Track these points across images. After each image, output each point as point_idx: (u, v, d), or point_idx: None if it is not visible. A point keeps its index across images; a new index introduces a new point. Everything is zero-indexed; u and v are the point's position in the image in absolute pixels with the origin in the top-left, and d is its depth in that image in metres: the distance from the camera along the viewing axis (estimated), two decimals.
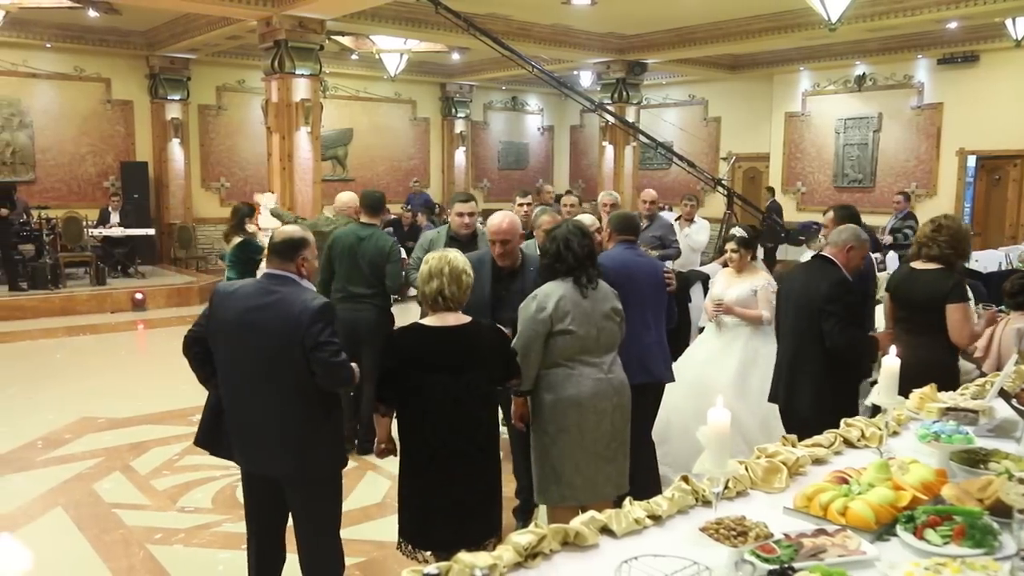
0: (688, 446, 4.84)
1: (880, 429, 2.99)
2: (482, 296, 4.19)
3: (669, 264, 5.85)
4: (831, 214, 5.18)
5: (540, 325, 3.58)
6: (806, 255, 7.23)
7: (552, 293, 3.64)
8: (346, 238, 5.66)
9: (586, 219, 4.60)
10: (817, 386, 4.13)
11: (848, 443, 3.02)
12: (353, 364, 3.19)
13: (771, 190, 15.40)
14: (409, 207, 15.42)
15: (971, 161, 13.88)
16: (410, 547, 3.27)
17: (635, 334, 4.10)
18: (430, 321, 3.26)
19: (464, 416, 3.20)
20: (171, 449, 6.04)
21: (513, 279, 4.33)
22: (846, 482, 2.46)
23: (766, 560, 2.00)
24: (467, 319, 3.29)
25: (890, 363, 2.85)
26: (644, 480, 4.05)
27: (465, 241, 5.22)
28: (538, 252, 5.08)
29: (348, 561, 3.51)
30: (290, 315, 3.07)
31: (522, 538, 2.09)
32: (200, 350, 3.32)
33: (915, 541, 2.16)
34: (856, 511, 2.26)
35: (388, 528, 4.10)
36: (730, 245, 5.44)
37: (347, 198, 6.47)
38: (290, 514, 3.36)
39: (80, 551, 4.46)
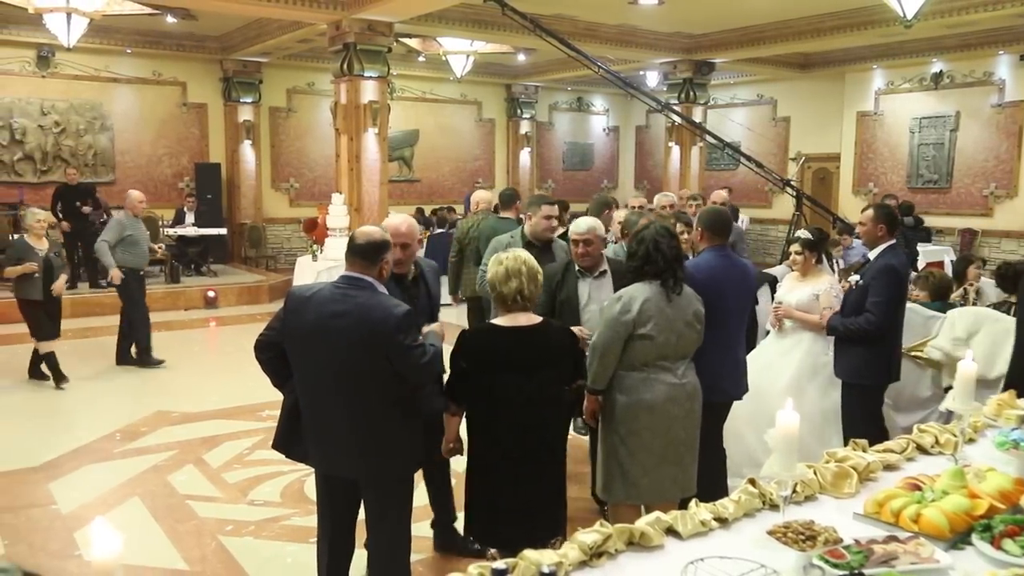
0: (741, 451, 4.78)
1: (955, 436, 2.91)
2: None
3: None
4: (870, 212, 4.99)
5: (622, 327, 3.55)
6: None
7: (637, 296, 3.59)
8: (486, 229, 6.44)
9: (584, 223, 4.42)
10: None
11: (921, 449, 2.95)
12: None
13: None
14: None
15: None
16: (476, 545, 3.30)
17: (720, 351, 4.03)
18: (502, 321, 3.28)
19: (536, 416, 3.22)
20: (242, 444, 6.19)
21: (416, 286, 3.83)
22: (919, 489, 2.40)
23: (835, 565, 1.96)
24: (538, 319, 3.31)
25: (966, 368, 2.77)
26: (711, 487, 3.99)
27: (541, 246, 5.08)
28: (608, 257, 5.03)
29: (413, 557, 3.55)
30: (372, 322, 3.02)
31: (587, 537, 2.10)
32: (273, 355, 3.29)
33: (992, 551, 2.10)
34: (929, 518, 2.21)
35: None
36: (794, 247, 5.29)
37: (482, 195, 7.67)
38: (362, 506, 3.39)
39: (156, 540, 4.61)
